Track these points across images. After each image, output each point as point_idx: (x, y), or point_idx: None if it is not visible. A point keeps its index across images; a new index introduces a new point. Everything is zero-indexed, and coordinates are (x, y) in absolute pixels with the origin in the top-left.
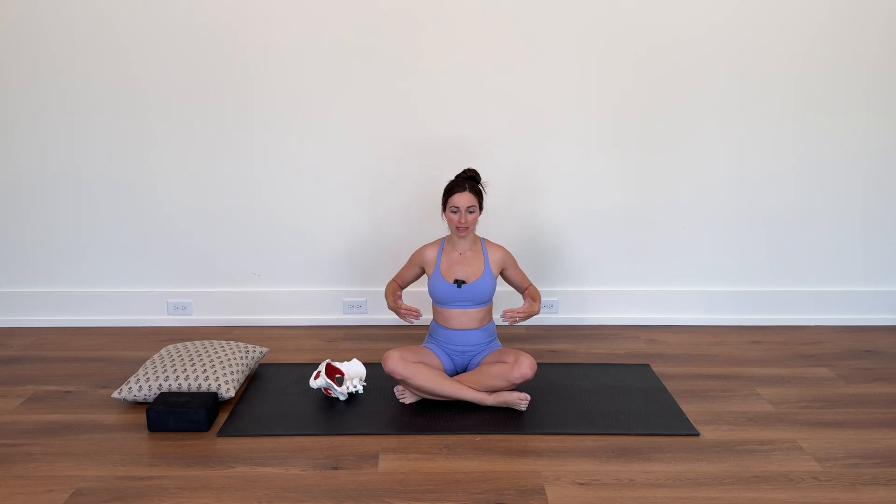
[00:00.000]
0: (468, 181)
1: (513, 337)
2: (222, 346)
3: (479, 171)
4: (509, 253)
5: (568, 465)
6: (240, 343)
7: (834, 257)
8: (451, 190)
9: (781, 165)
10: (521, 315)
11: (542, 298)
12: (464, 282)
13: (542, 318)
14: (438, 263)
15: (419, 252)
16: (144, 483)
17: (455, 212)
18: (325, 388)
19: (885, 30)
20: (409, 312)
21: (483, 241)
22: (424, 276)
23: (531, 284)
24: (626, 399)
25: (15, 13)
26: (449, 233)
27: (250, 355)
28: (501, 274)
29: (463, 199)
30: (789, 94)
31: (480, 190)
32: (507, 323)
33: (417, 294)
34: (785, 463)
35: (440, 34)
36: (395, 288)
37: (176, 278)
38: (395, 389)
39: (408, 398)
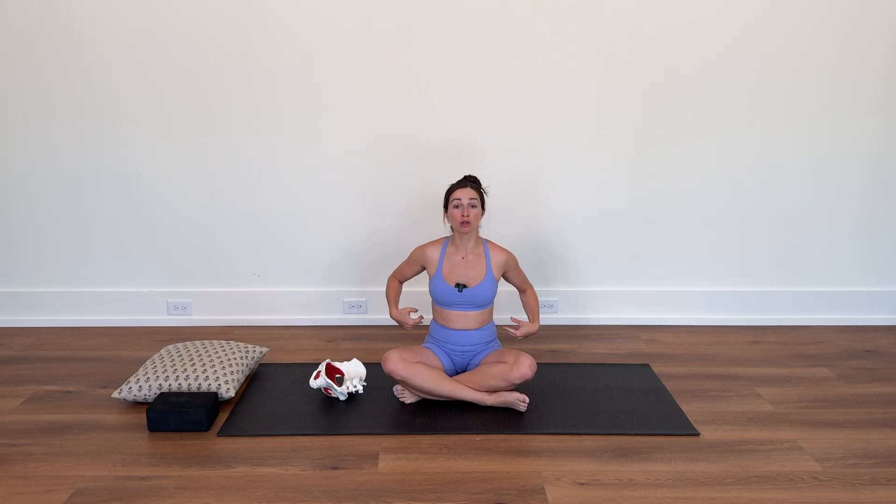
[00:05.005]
0: (469, 182)
1: (513, 337)
2: (222, 346)
3: (480, 172)
4: (512, 256)
5: (568, 465)
6: (240, 343)
7: (834, 257)
8: (452, 188)
9: (781, 166)
10: (520, 332)
11: (542, 298)
12: (465, 286)
13: (542, 318)
14: (440, 265)
15: (420, 250)
16: (144, 483)
17: (457, 206)
18: (325, 388)
19: (886, 32)
20: (416, 322)
21: (486, 242)
22: (425, 275)
23: (530, 287)
24: (626, 399)
25: (17, 14)
26: (451, 234)
27: (250, 355)
28: (503, 275)
29: (465, 193)
30: (790, 97)
31: (481, 191)
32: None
33: (418, 294)
34: (785, 463)
35: (438, 37)
36: (397, 289)
37: (176, 278)
38: (394, 389)
39: (408, 398)
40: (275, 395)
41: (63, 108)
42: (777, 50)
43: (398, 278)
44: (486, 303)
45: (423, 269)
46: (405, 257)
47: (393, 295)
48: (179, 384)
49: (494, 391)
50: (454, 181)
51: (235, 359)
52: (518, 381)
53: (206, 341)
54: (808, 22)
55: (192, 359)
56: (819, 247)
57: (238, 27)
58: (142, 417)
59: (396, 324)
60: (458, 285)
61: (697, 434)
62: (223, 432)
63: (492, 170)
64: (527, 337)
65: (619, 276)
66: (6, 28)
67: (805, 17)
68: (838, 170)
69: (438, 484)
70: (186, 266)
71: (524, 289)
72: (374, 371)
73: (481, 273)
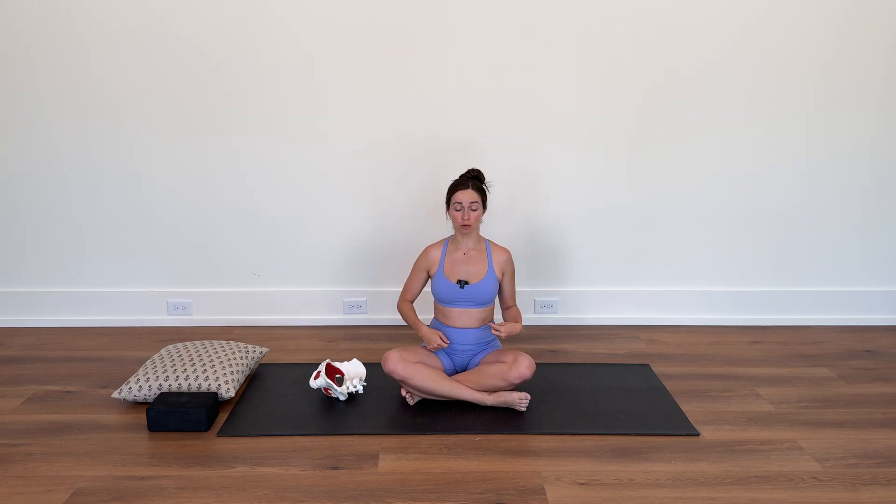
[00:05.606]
0: (472, 180)
1: (513, 337)
2: (222, 346)
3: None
4: (512, 260)
5: (568, 465)
6: (240, 343)
7: (834, 257)
8: (454, 187)
9: (781, 166)
10: (503, 331)
11: (542, 298)
12: (467, 282)
13: (542, 318)
14: (442, 263)
15: (423, 255)
16: (144, 483)
17: (458, 209)
18: (325, 388)
19: (886, 32)
20: (441, 346)
21: (487, 241)
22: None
23: (515, 305)
24: (626, 399)
25: (17, 14)
26: (453, 233)
27: (250, 355)
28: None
29: (466, 195)
30: (790, 97)
31: (484, 189)
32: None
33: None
34: (785, 463)
35: (438, 37)
36: (413, 309)
37: (176, 278)
38: (402, 392)
39: (414, 398)
40: (275, 395)
41: (63, 109)
42: (777, 50)
43: (408, 299)
44: (488, 300)
45: (429, 276)
46: (406, 257)
47: (413, 316)
48: (179, 384)
49: (494, 391)
50: (456, 178)
51: (235, 359)
52: (517, 381)
53: (206, 341)
54: (808, 22)
55: (192, 359)
56: (819, 247)
57: (238, 27)
58: (142, 417)
59: (397, 322)
60: (459, 282)
61: (697, 434)
62: (223, 432)
63: (492, 169)
64: (510, 336)
65: (619, 276)
66: (6, 28)
67: (805, 17)
68: (838, 170)
69: (438, 484)
70: (186, 266)
71: (510, 304)
72: (374, 371)
73: (483, 270)
